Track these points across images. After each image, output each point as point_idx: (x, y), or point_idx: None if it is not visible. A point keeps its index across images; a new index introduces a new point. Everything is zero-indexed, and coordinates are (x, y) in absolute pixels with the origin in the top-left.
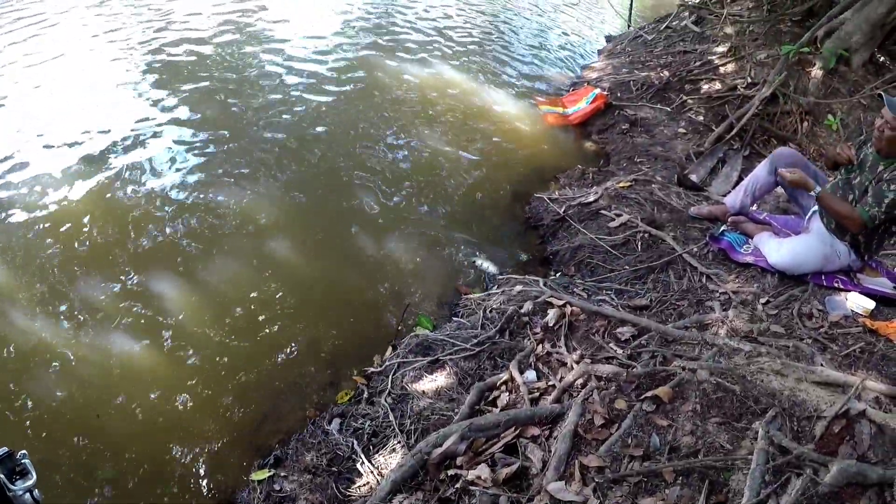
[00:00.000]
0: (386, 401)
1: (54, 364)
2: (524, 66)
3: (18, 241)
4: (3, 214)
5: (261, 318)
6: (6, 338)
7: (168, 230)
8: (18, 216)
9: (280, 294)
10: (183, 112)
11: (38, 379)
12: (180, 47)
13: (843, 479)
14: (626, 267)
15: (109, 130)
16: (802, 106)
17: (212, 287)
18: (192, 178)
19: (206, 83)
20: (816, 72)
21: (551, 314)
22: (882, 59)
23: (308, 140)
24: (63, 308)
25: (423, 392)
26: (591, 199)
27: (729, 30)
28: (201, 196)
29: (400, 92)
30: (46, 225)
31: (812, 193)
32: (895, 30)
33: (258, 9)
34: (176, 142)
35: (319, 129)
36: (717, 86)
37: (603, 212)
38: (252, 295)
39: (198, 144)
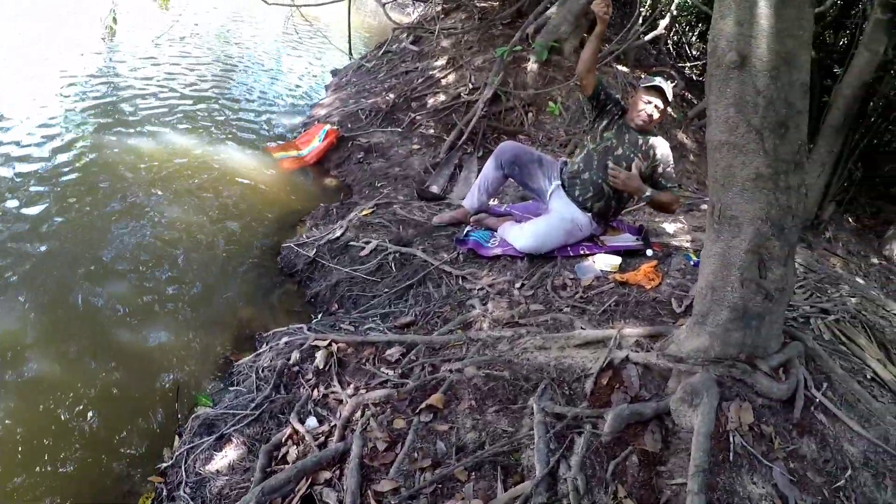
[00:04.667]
0: (185, 492)
1: None
2: (254, 117)
3: None
4: None
5: (37, 449)
6: None
7: None
8: None
9: (50, 417)
10: None
11: None
12: None
13: (620, 423)
14: (386, 290)
15: None
16: (524, 99)
17: None
18: None
19: None
20: (532, 66)
21: (319, 356)
22: None
23: (41, 241)
24: None
25: (218, 471)
26: (338, 233)
27: (445, 43)
28: None
29: (131, 170)
30: None
31: (645, 196)
32: None
33: None
34: None
35: (50, 227)
36: (442, 97)
37: (352, 243)
38: (20, 427)
39: None
